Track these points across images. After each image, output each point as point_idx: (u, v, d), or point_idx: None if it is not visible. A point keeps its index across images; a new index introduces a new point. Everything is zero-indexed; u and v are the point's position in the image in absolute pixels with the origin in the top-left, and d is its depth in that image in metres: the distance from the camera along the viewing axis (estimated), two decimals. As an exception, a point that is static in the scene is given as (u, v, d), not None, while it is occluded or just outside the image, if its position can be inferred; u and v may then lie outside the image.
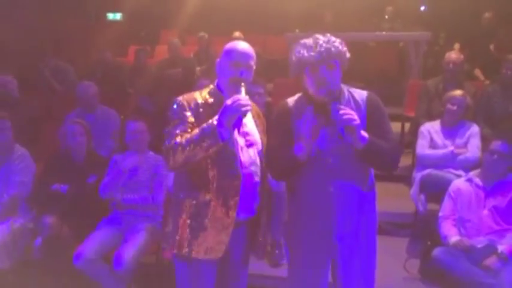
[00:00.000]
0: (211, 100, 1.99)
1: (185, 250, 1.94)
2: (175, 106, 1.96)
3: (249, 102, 1.85)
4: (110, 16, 9.30)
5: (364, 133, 1.87)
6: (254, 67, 2.02)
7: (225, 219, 1.93)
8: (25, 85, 4.94)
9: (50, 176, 3.25)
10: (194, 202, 1.95)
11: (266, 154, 2.04)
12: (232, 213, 1.93)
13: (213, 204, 1.93)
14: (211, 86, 2.06)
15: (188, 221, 1.94)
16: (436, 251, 2.80)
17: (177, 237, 1.96)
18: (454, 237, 2.86)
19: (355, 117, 1.81)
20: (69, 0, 7.95)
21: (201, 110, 1.95)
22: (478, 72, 5.57)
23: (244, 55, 1.97)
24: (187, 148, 1.84)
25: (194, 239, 1.93)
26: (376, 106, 2.00)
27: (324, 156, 1.93)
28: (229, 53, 1.98)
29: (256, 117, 2.10)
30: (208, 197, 1.93)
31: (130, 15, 8.49)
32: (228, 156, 1.93)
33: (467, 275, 2.67)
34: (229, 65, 1.97)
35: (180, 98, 1.98)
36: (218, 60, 2.03)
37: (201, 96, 2.00)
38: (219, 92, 2.01)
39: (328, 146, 1.92)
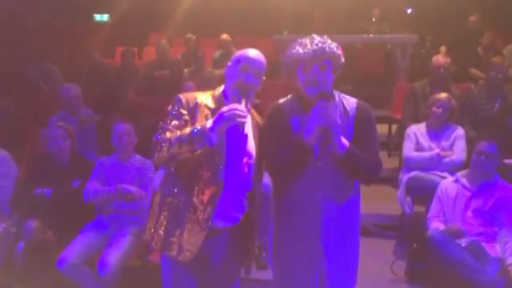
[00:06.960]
0: (212, 105, 1.96)
1: (160, 246, 1.95)
2: (175, 102, 1.97)
3: (247, 114, 1.83)
4: (97, 17, 9.23)
5: (344, 140, 1.87)
6: (262, 78, 1.98)
7: (201, 223, 1.91)
8: (8, 87, 4.86)
9: (33, 179, 3.19)
10: (176, 201, 1.95)
11: (261, 155, 2.00)
12: (208, 218, 1.91)
13: (193, 207, 1.92)
14: (219, 90, 2.02)
15: (166, 219, 1.95)
16: (432, 232, 2.84)
17: (156, 233, 1.97)
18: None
19: (333, 120, 1.80)
20: (56, 1, 7.86)
21: (198, 111, 1.93)
22: (474, 70, 5.62)
23: (254, 61, 1.95)
24: (174, 145, 1.85)
25: (170, 237, 1.93)
26: (365, 117, 1.97)
27: (313, 160, 1.90)
28: (239, 57, 1.96)
29: (255, 128, 2.05)
30: (189, 199, 1.93)
31: (117, 16, 8.43)
32: (216, 163, 1.91)
33: (459, 256, 2.72)
34: (237, 69, 1.94)
35: (181, 95, 2.00)
36: (228, 64, 2.01)
37: (203, 98, 1.98)
38: (224, 99, 1.98)
39: (318, 150, 1.89)
